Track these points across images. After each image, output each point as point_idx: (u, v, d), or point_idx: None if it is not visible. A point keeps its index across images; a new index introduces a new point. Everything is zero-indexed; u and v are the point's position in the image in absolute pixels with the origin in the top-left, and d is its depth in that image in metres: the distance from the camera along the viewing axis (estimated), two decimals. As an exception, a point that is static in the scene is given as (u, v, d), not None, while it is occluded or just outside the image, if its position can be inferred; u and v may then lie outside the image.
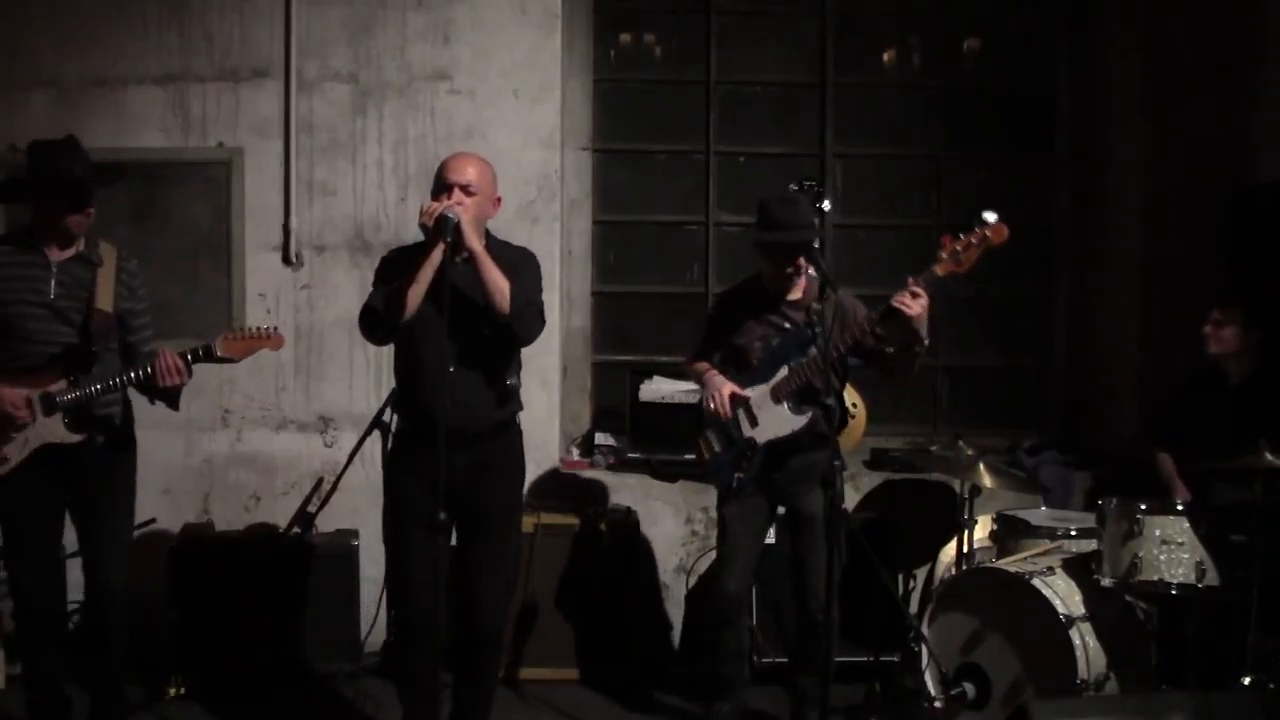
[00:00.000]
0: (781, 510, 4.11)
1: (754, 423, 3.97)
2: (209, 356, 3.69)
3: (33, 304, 3.69)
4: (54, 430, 3.66)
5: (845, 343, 3.85)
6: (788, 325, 3.99)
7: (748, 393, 3.97)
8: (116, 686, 3.93)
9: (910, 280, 3.74)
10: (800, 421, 3.93)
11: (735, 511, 4.04)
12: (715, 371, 4.08)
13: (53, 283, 3.70)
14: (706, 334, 4.21)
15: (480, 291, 3.51)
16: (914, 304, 3.70)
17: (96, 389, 3.66)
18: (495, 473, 3.68)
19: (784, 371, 3.95)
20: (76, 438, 3.67)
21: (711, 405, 3.98)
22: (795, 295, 4.04)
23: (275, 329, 3.78)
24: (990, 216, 3.73)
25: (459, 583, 3.59)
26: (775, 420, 3.95)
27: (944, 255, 3.75)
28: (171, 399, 3.80)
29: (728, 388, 3.99)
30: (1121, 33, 5.57)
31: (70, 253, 3.75)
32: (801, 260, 3.97)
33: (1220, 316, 4.42)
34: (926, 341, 3.85)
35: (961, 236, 3.75)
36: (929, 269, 3.76)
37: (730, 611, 4.04)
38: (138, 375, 3.67)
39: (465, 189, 3.54)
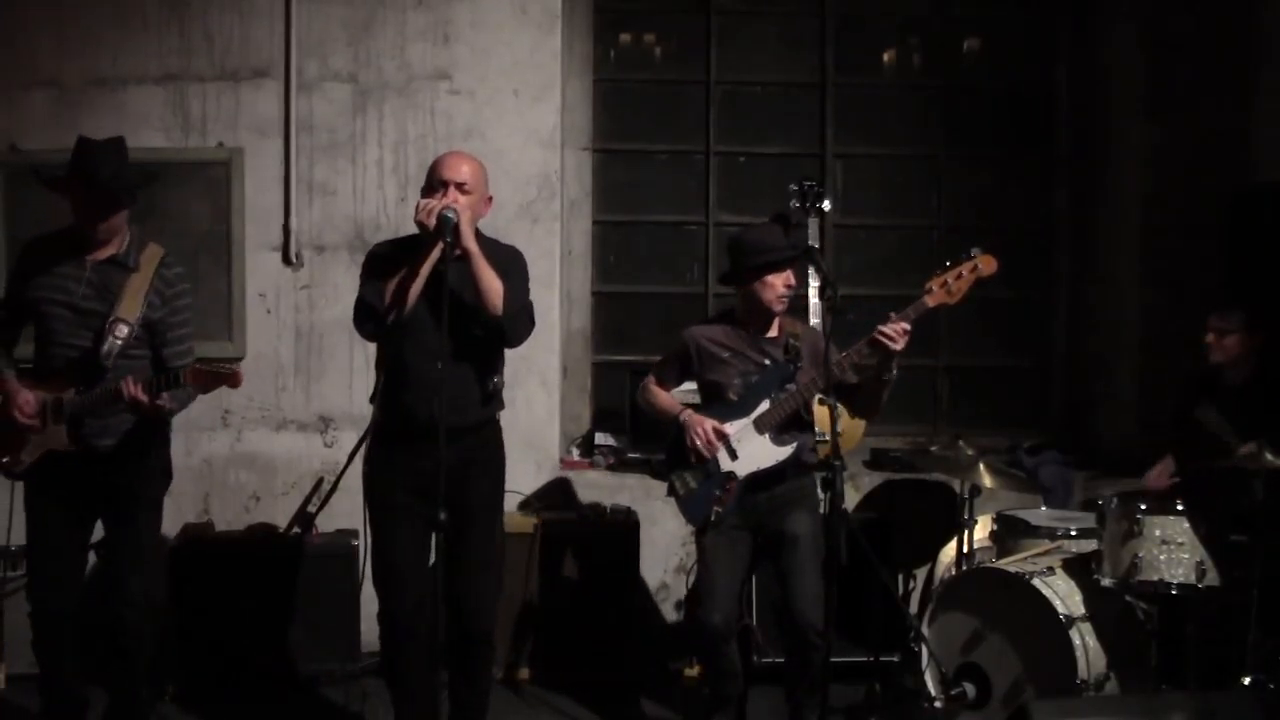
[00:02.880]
0: (760, 539, 4.05)
1: (734, 456, 3.93)
2: (175, 383, 3.55)
3: (60, 304, 3.64)
4: (57, 438, 3.63)
5: (823, 381, 3.84)
6: (767, 362, 3.97)
7: (727, 427, 3.93)
8: (133, 693, 3.90)
9: (893, 316, 3.78)
10: (784, 453, 3.91)
11: (715, 542, 3.96)
12: (690, 410, 4.01)
13: (82, 284, 3.64)
14: (674, 363, 4.12)
15: (472, 291, 3.50)
16: (900, 340, 3.75)
17: (92, 401, 3.60)
18: (478, 470, 3.67)
19: (765, 405, 3.92)
20: (72, 447, 3.63)
21: (697, 442, 3.92)
22: (772, 333, 4.01)
23: (237, 369, 3.59)
24: (977, 250, 3.81)
25: (447, 582, 3.58)
26: (757, 453, 3.92)
27: (934, 287, 3.81)
28: (152, 418, 3.69)
29: (710, 423, 3.93)
30: (1122, 33, 5.57)
31: (108, 253, 3.67)
32: (787, 285, 3.95)
33: (1221, 325, 4.41)
34: (894, 373, 3.89)
35: (951, 267, 3.81)
36: (919, 300, 3.81)
37: (719, 642, 3.98)
38: (113, 392, 3.56)
39: (460, 187, 3.53)
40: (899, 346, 3.76)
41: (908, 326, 3.76)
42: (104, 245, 3.68)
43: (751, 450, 3.93)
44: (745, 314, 4.02)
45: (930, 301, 3.81)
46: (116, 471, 3.71)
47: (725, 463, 3.94)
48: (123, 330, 3.63)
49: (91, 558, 3.91)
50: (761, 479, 3.93)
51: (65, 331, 3.65)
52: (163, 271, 3.73)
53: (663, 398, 4.13)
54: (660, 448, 4.64)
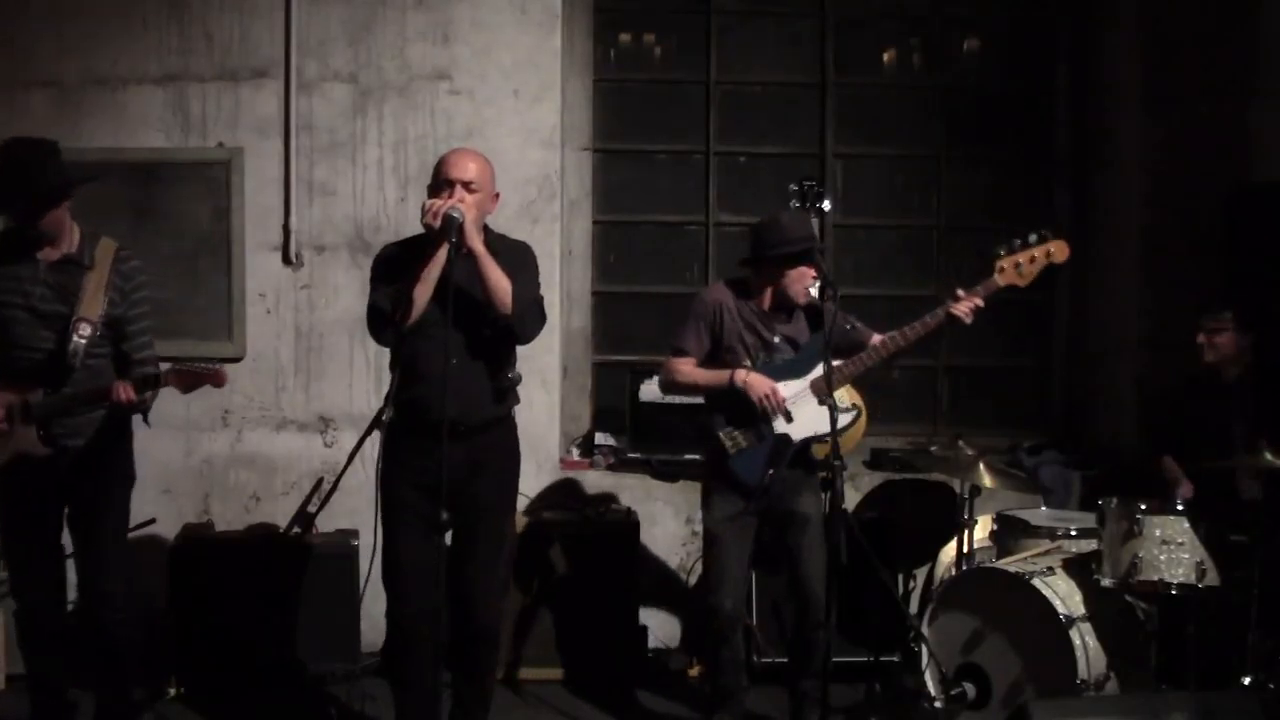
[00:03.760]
0: (768, 520, 4.07)
1: (789, 419, 3.92)
2: (156, 385, 3.58)
3: (18, 307, 3.61)
4: (28, 440, 3.61)
5: (888, 350, 3.89)
6: (777, 339, 3.99)
7: (781, 389, 3.92)
8: (124, 694, 3.92)
9: (963, 293, 3.82)
10: (844, 418, 3.88)
11: (725, 529, 3.97)
12: (743, 370, 3.94)
13: (39, 285, 3.62)
14: (702, 326, 4.03)
15: (480, 290, 3.50)
16: (972, 316, 3.81)
17: (67, 402, 3.59)
18: (491, 469, 3.67)
19: (819, 369, 3.91)
20: (46, 450, 3.62)
21: (766, 402, 3.86)
22: (768, 307, 4.02)
23: (220, 367, 3.61)
24: (1049, 232, 3.85)
25: (453, 580, 3.59)
26: (815, 418, 3.89)
27: (1005, 266, 3.82)
28: (140, 414, 3.73)
29: (772, 383, 3.90)
30: (1121, 33, 5.57)
31: (61, 253, 3.65)
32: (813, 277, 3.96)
33: (1213, 325, 4.42)
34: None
35: (1022, 247, 3.82)
36: (990, 279, 3.83)
37: (729, 630, 4.02)
38: (95, 392, 3.58)
39: (467, 186, 3.53)
40: (970, 321, 3.82)
41: (980, 303, 3.81)
42: (53, 244, 3.65)
43: (808, 414, 3.91)
44: (762, 294, 4.02)
45: (1001, 281, 3.83)
46: (82, 473, 3.70)
47: (780, 426, 3.92)
48: (86, 329, 3.62)
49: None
50: (803, 450, 3.94)
51: (25, 334, 3.63)
52: (119, 266, 3.71)
53: (701, 372, 4.02)
54: (659, 447, 4.64)
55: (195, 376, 3.58)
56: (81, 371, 3.62)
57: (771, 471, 3.91)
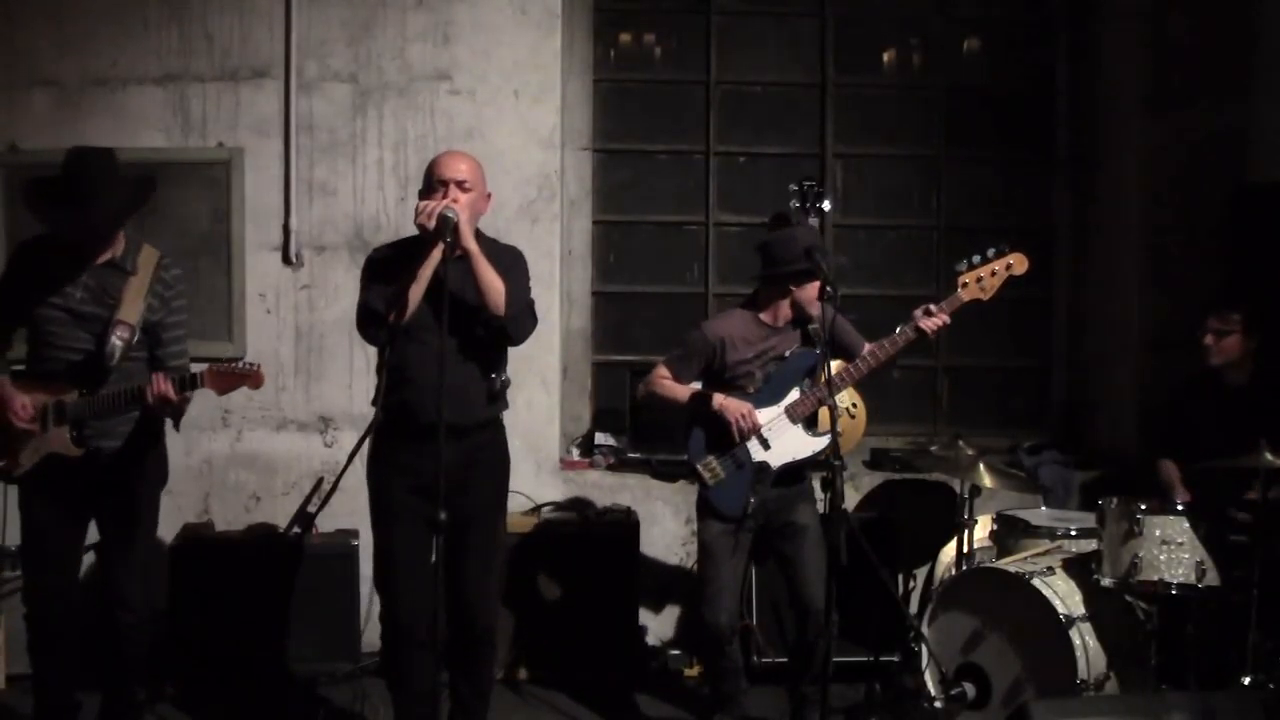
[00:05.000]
0: (765, 533, 4.06)
1: (766, 446, 3.91)
2: (192, 386, 3.58)
3: (57, 308, 3.62)
4: (61, 441, 3.62)
5: (868, 365, 3.88)
6: (787, 354, 3.98)
7: (758, 416, 3.91)
8: (128, 694, 3.91)
9: (933, 308, 3.83)
10: (820, 444, 3.90)
11: (720, 541, 3.96)
12: (720, 394, 3.94)
13: (79, 289, 3.63)
14: (696, 359, 4.04)
15: (473, 291, 3.50)
16: (938, 331, 3.83)
17: (102, 403, 3.60)
18: (483, 470, 3.67)
19: (795, 394, 3.92)
20: (78, 451, 3.63)
21: (741, 425, 3.86)
22: (782, 323, 4.01)
23: (259, 367, 3.62)
24: (1007, 247, 3.87)
25: (450, 581, 3.59)
26: (792, 444, 3.91)
27: (968, 281, 3.84)
28: (173, 418, 3.76)
29: (748, 407, 3.89)
30: (1121, 33, 5.57)
31: (105, 257, 3.66)
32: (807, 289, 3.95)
33: (1220, 326, 4.41)
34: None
35: (981, 262, 3.84)
36: (953, 295, 3.85)
37: (725, 643, 4.02)
38: (130, 393, 3.59)
39: (460, 185, 3.53)
40: (933, 335, 3.86)
41: (947, 320, 3.84)
42: (101, 250, 3.66)
43: (786, 441, 3.92)
44: (776, 308, 4.00)
45: (965, 296, 3.85)
46: (117, 474, 3.70)
47: (758, 453, 3.92)
48: (125, 333, 3.63)
49: (88, 558, 3.90)
50: (788, 472, 3.93)
51: (63, 335, 3.64)
52: (161, 274, 3.73)
53: (678, 388, 4.05)
54: (659, 447, 4.60)
55: (233, 378, 3.59)
56: (117, 374, 3.62)
57: (753, 500, 3.90)
